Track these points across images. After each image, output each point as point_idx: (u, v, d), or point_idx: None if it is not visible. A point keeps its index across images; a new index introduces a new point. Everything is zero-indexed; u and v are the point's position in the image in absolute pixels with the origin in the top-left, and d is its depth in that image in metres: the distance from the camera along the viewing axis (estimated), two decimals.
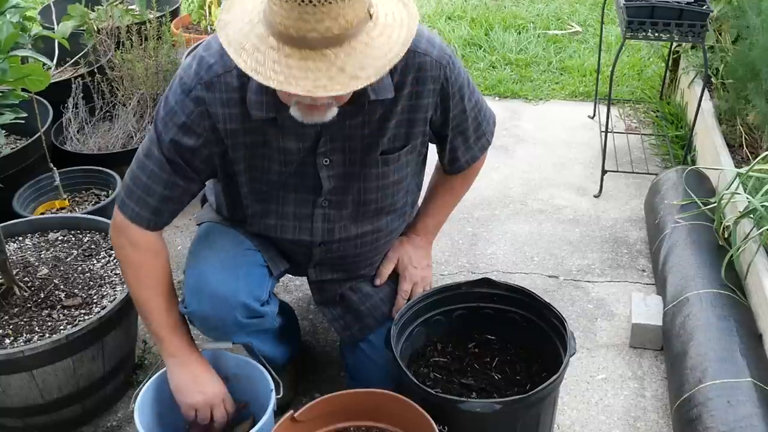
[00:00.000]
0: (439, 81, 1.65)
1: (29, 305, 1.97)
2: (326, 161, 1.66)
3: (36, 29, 2.33)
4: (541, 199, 2.97)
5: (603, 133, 3.03)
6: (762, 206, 2.08)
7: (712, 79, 2.99)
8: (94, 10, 3.23)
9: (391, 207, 1.80)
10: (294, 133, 1.61)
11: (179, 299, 1.76)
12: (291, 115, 1.51)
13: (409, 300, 1.91)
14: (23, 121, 1.96)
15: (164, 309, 1.72)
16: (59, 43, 3.15)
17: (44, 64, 3.00)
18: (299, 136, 1.62)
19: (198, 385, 1.73)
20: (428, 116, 1.70)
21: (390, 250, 1.94)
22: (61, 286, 2.03)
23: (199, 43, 1.84)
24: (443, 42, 1.68)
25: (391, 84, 1.59)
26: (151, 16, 3.40)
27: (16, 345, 1.83)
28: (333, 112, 1.48)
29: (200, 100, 1.56)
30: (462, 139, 1.82)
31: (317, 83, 1.31)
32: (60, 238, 2.24)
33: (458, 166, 1.88)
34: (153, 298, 1.72)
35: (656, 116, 3.46)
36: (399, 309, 1.89)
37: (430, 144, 1.83)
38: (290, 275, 2.11)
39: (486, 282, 1.90)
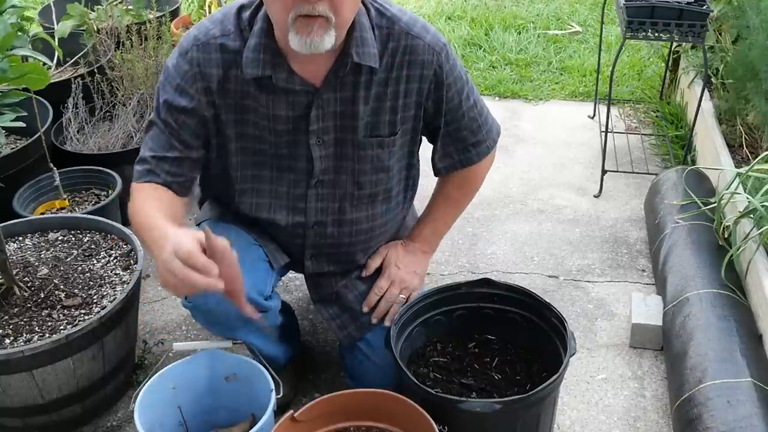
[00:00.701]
0: (431, 67, 1.66)
1: (29, 305, 1.97)
2: (319, 141, 1.68)
3: (35, 29, 2.33)
4: (541, 199, 2.97)
5: (603, 133, 3.03)
6: (762, 206, 2.08)
7: (712, 79, 2.99)
8: (94, 10, 3.23)
9: (386, 194, 1.80)
10: (285, 99, 1.63)
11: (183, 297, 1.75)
12: (286, 74, 1.57)
13: (381, 298, 1.88)
14: (24, 124, 1.95)
15: (162, 216, 1.53)
16: (59, 44, 3.16)
17: (44, 64, 3.01)
18: (290, 104, 1.64)
19: (158, 260, 1.42)
20: (421, 101, 1.70)
21: (382, 246, 1.94)
22: (61, 286, 2.03)
23: None
24: (439, 32, 1.69)
25: (376, 55, 1.61)
26: (151, 16, 3.40)
27: (16, 345, 1.83)
28: (330, 40, 1.48)
29: (195, 61, 1.62)
30: (456, 137, 1.80)
31: None
32: (60, 238, 2.24)
33: (450, 164, 1.85)
34: (151, 212, 1.56)
35: (656, 116, 3.46)
36: (370, 304, 1.88)
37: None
38: (291, 274, 2.12)
39: (486, 282, 1.90)
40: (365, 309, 1.90)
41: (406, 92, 1.68)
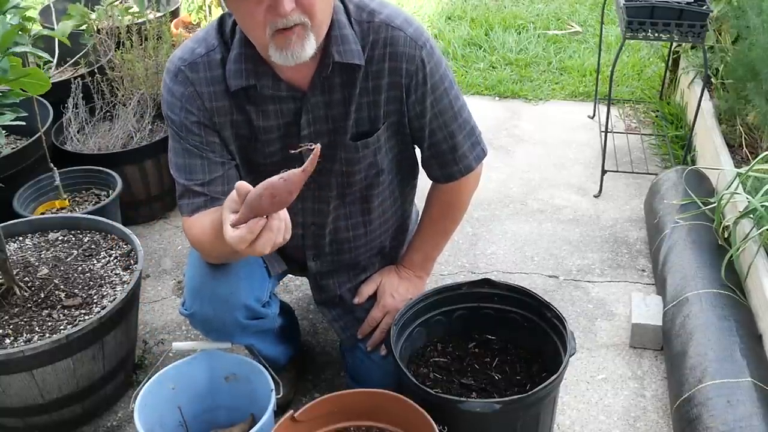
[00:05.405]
0: (414, 62, 1.60)
1: (29, 305, 1.97)
2: (310, 145, 1.66)
3: (36, 29, 2.33)
4: (541, 199, 2.97)
5: (603, 133, 3.03)
6: (762, 206, 2.08)
7: (712, 79, 2.99)
8: (94, 10, 3.23)
9: (379, 189, 1.79)
10: (273, 107, 1.61)
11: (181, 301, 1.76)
12: (271, 81, 1.55)
13: (376, 328, 1.90)
14: (24, 123, 1.95)
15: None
16: (59, 43, 3.16)
17: (45, 62, 3.01)
18: (279, 112, 1.62)
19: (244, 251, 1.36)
20: (402, 97, 1.65)
21: (376, 273, 1.94)
22: (61, 286, 2.03)
23: None
24: (422, 27, 1.64)
25: (359, 51, 1.57)
26: (151, 16, 3.40)
27: (16, 345, 1.83)
28: (311, 45, 1.45)
29: (187, 81, 1.59)
30: (437, 151, 1.75)
31: None
32: (60, 238, 2.24)
33: (433, 176, 1.83)
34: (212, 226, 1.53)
35: (656, 116, 3.46)
36: (363, 333, 1.90)
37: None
38: (291, 275, 2.12)
39: (486, 282, 1.90)
40: (359, 336, 1.90)
41: (388, 86, 1.62)
